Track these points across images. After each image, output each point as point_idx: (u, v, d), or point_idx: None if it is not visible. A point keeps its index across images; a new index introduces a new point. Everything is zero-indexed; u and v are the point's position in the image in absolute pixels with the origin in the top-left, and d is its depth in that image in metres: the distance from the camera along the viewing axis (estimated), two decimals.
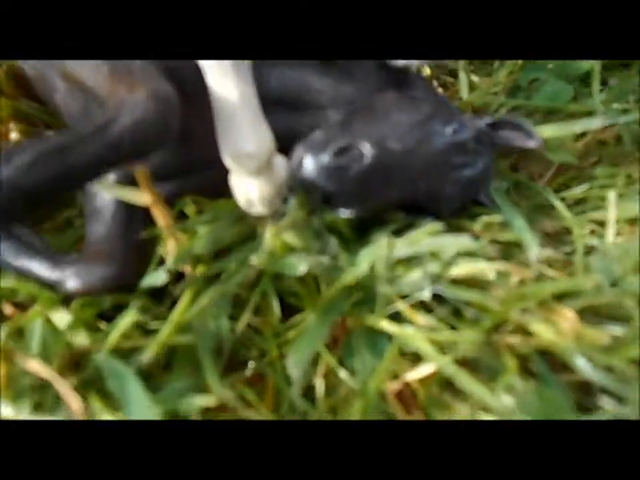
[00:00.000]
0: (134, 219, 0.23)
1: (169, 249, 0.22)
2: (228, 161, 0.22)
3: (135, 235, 0.23)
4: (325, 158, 0.20)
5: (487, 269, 0.21)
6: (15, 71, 0.29)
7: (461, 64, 0.34)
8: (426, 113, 0.22)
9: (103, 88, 0.18)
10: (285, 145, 0.24)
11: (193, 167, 0.24)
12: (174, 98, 0.18)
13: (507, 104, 0.31)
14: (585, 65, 0.31)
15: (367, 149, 0.20)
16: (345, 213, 0.21)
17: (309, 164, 0.20)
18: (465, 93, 0.32)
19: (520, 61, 0.32)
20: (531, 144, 0.24)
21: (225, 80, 0.21)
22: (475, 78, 0.34)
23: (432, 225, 0.21)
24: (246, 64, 0.21)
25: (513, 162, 0.30)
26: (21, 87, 0.28)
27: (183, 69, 0.21)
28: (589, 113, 0.28)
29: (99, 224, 0.24)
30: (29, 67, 0.26)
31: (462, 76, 0.33)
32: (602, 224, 0.27)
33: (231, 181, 0.23)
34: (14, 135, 0.25)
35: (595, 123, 0.26)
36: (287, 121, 0.24)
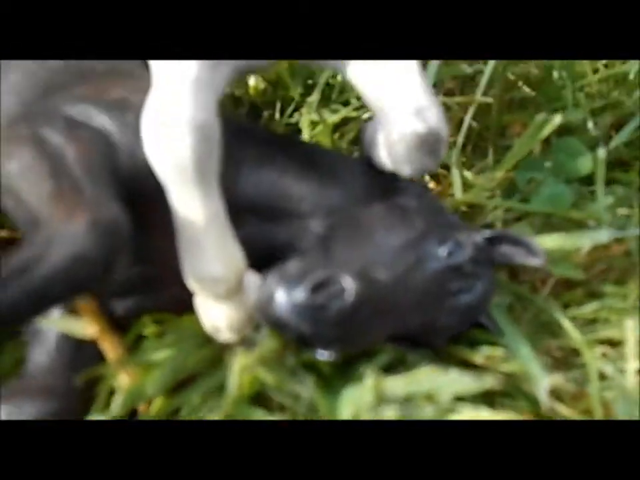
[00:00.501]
0: (82, 348, 0.20)
1: (120, 386, 0.19)
2: (192, 284, 0.19)
3: (82, 367, 0.20)
4: (300, 294, 0.17)
5: (485, 418, 0.18)
6: None
7: (454, 159, 0.32)
8: (417, 230, 0.20)
9: (40, 207, 0.16)
10: (258, 260, 0.21)
11: (153, 282, 0.21)
12: (122, 225, 0.16)
13: (503, 205, 0.29)
14: (586, 166, 0.29)
15: (349, 283, 0.17)
16: (323, 355, 0.18)
17: (281, 301, 0.17)
18: (458, 192, 0.30)
19: (516, 160, 0.30)
20: (534, 262, 0.22)
21: (187, 195, 0.18)
22: (468, 174, 0.32)
23: (427, 366, 0.18)
24: (213, 171, 0.19)
25: (512, 269, 0.28)
26: None
27: (142, 177, 0.19)
28: (592, 220, 0.26)
29: (42, 352, 0.20)
30: None
31: (455, 172, 0.31)
32: (614, 344, 0.24)
33: (195, 303, 0.20)
34: None
35: (602, 236, 0.24)
36: (262, 233, 0.22)
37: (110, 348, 0.19)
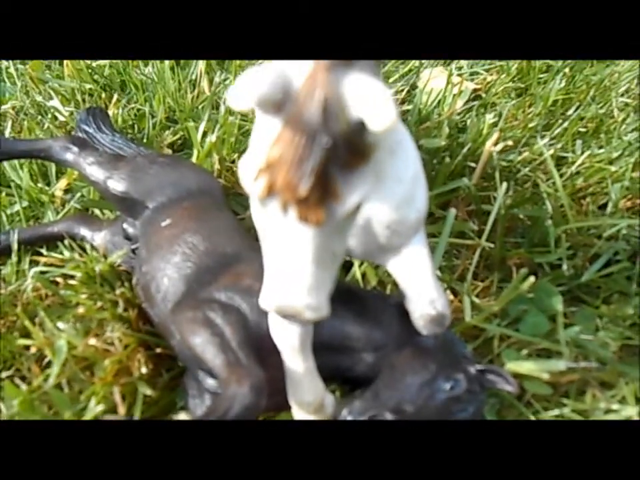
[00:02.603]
0: None
1: None
2: (292, 404, 0.32)
3: None
4: None
5: None
6: (139, 304, 0.40)
7: (465, 289, 0.44)
8: (431, 371, 0.32)
9: (220, 371, 0.29)
10: (331, 379, 0.34)
11: (270, 392, 0.34)
12: (263, 383, 0.28)
13: (499, 331, 0.41)
14: (557, 304, 0.40)
15: (388, 417, 0.29)
16: None
17: None
18: (468, 316, 0.42)
19: (508, 299, 0.41)
20: (509, 388, 0.33)
21: (293, 358, 0.31)
22: (476, 299, 0.44)
23: None
24: (309, 342, 0.32)
25: None
26: (142, 317, 0.40)
27: (264, 340, 0.32)
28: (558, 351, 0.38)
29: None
30: (154, 313, 0.37)
31: (466, 300, 0.43)
32: None
33: (293, 414, 0.33)
34: (144, 370, 0.36)
35: (560, 366, 0.36)
36: (333, 362, 0.34)
37: None
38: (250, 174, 0.19)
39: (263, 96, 0.17)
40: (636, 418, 0.35)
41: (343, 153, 0.19)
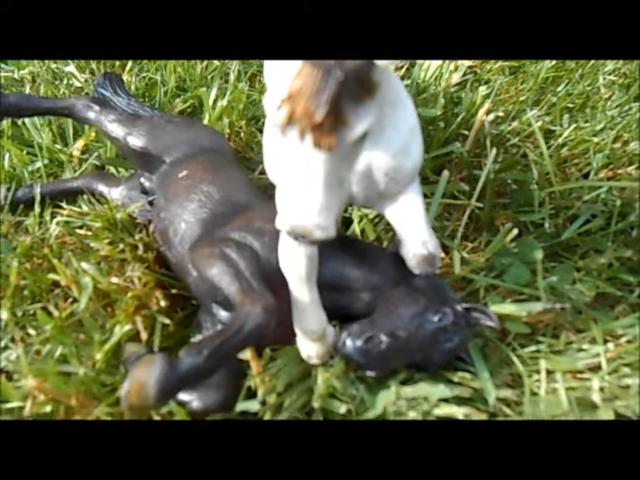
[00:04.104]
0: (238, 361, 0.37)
1: (258, 385, 0.36)
2: (297, 332, 0.36)
3: (234, 368, 0.36)
4: (359, 343, 0.33)
5: (456, 412, 0.34)
6: (155, 246, 0.44)
7: (455, 245, 0.47)
8: (422, 305, 0.36)
9: (235, 296, 0.33)
10: (332, 316, 0.38)
11: (277, 323, 0.38)
12: (274, 307, 0.32)
13: (485, 281, 0.45)
14: (538, 255, 0.44)
15: (384, 338, 0.33)
16: (369, 374, 0.34)
17: (349, 345, 0.33)
18: (457, 268, 0.46)
19: (493, 252, 0.45)
20: (492, 324, 0.37)
21: (299, 287, 0.35)
22: (465, 255, 0.48)
23: (425, 380, 0.34)
24: (314, 274, 0.35)
25: None
26: (159, 261, 0.43)
27: (273, 273, 0.36)
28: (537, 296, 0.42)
29: None
30: (172, 255, 0.41)
31: (455, 255, 0.47)
32: (548, 372, 0.39)
33: (297, 342, 0.37)
34: (163, 303, 0.40)
35: (537, 307, 0.40)
36: (334, 301, 0.38)
37: (256, 368, 0.35)
38: (274, 104, 0.23)
39: None
40: (603, 356, 0.39)
41: (353, 87, 0.22)
